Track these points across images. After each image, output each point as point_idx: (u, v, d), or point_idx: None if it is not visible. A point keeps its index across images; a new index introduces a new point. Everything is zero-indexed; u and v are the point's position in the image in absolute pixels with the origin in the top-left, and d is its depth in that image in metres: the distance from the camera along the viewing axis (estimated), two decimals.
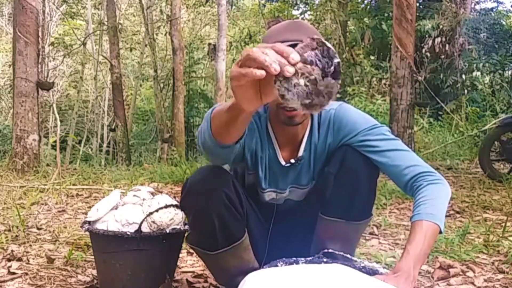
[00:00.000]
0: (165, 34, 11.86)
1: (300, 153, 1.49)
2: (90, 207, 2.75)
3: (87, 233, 1.78)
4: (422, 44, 8.88)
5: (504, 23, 9.27)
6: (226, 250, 1.44)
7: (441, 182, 1.39)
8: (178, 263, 1.89)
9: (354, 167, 1.42)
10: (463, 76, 9.06)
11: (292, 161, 1.49)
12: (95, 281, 1.85)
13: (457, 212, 3.22)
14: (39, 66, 6.11)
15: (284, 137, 1.49)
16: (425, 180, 1.37)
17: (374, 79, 10.05)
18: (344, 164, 1.43)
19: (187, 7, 13.70)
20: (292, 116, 1.38)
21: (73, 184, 4.44)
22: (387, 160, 1.41)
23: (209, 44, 10.32)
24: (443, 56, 8.91)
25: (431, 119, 8.72)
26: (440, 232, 1.34)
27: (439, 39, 8.74)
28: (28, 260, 2.08)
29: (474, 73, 9.11)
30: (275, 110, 1.41)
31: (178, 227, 1.67)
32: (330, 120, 1.48)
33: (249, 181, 1.56)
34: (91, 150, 13.80)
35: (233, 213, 1.41)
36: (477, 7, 10.71)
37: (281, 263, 1.33)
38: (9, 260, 2.08)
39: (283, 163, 1.50)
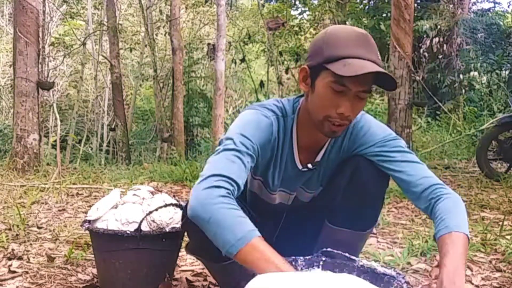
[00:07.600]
0: (165, 34, 11.87)
1: (318, 158, 1.47)
2: (90, 206, 2.75)
3: (87, 232, 1.78)
4: (420, 44, 8.88)
5: (501, 23, 9.27)
6: (232, 262, 1.40)
7: (455, 195, 1.38)
8: (177, 262, 1.90)
9: (365, 180, 1.42)
10: (461, 76, 9.07)
11: (310, 166, 1.47)
12: (95, 280, 1.86)
13: None
14: (40, 66, 6.12)
15: (308, 142, 1.46)
16: (442, 193, 1.35)
17: None
18: (355, 176, 1.43)
19: (186, 7, 13.70)
20: (336, 131, 1.34)
21: (73, 183, 4.45)
22: (401, 171, 1.40)
23: (209, 44, 10.32)
24: (440, 56, 8.92)
25: (429, 119, 8.75)
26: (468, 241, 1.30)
27: (437, 39, 8.75)
28: (29, 259, 2.09)
29: (471, 73, 9.13)
30: (320, 121, 1.33)
31: (177, 226, 1.68)
32: (349, 127, 1.45)
33: (252, 186, 1.54)
34: (91, 149, 13.79)
35: None
36: (475, 7, 10.73)
37: None
38: (9, 258, 2.09)
39: (300, 167, 1.47)
